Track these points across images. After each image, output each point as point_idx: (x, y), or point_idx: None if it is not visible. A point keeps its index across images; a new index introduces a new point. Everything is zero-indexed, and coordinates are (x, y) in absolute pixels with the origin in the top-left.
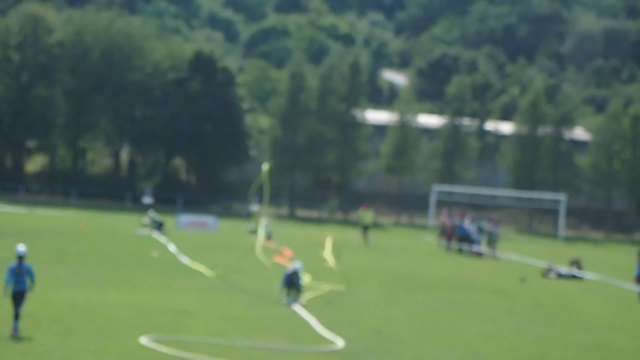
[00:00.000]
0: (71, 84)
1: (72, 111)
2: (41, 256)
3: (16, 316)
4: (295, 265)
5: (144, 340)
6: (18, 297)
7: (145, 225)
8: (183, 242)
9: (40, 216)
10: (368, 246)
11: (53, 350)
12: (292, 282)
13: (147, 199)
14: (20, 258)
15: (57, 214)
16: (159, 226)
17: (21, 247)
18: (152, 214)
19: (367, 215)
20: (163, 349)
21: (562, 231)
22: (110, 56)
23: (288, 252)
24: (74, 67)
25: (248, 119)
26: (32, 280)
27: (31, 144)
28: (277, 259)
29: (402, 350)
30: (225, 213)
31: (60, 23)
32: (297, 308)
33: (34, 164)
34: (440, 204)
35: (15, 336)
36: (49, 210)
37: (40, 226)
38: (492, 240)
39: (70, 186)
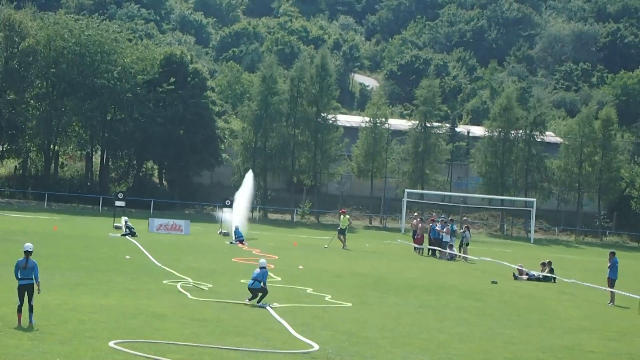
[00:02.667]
0: (42, 88)
1: (43, 115)
2: (13, 259)
3: (30, 308)
4: (261, 262)
5: (116, 343)
6: (26, 290)
7: (117, 228)
8: (155, 246)
9: (12, 219)
10: (345, 250)
11: (25, 353)
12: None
13: (121, 202)
14: (27, 254)
15: (29, 218)
16: (131, 233)
17: (28, 244)
18: (125, 219)
19: (344, 219)
20: (135, 352)
21: (533, 234)
22: (82, 60)
23: (258, 252)
24: (46, 71)
25: (220, 123)
26: (35, 276)
27: (2, 147)
28: (236, 259)
29: (375, 352)
30: (198, 216)
31: (33, 28)
32: (270, 311)
33: (5, 167)
34: (412, 206)
35: (33, 325)
36: (21, 213)
37: (13, 229)
38: (462, 243)
39: (42, 189)
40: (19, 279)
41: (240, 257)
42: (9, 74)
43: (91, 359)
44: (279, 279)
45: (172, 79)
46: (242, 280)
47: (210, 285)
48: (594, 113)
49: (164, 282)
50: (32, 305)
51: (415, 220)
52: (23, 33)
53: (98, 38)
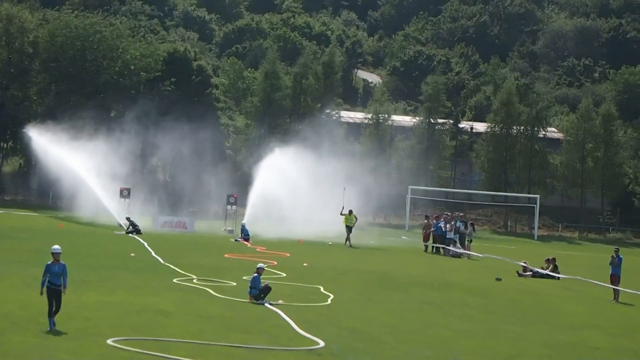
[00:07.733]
0: (45, 83)
1: (47, 110)
2: (19, 256)
3: (55, 312)
4: (259, 266)
5: (120, 340)
6: (54, 295)
7: (121, 227)
8: (160, 243)
9: (17, 217)
10: (349, 247)
11: (31, 350)
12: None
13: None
14: (55, 255)
15: (34, 215)
16: (135, 230)
17: (56, 247)
18: (127, 217)
19: (350, 217)
20: (140, 349)
21: (537, 230)
22: (85, 56)
23: (262, 250)
24: (49, 67)
25: (223, 119)
26: (65, 278)
27: (7, 145)
28: (228, 255)
29: (379, 349)
30: (202, 213)
31: (35, 23)
32: (275, 308)
33: (10, 165)
34: (416, 203)
35: (53, 330)
36: (26, 211)
37: (18, 226)
38: (465, 240)
39: (47, 187)
40: (48, 282)
41: (232, 253)
42: (10, 69)
43: (96, 356)
44: (284, 274)
45: (176, 79)
46: (244, 278)
47: (235, 284)
48: (593, 108)
49: (174, 280)
50: (57, 310)
51: (425, 221)
52: (23, 28)
53: (100, 33)
